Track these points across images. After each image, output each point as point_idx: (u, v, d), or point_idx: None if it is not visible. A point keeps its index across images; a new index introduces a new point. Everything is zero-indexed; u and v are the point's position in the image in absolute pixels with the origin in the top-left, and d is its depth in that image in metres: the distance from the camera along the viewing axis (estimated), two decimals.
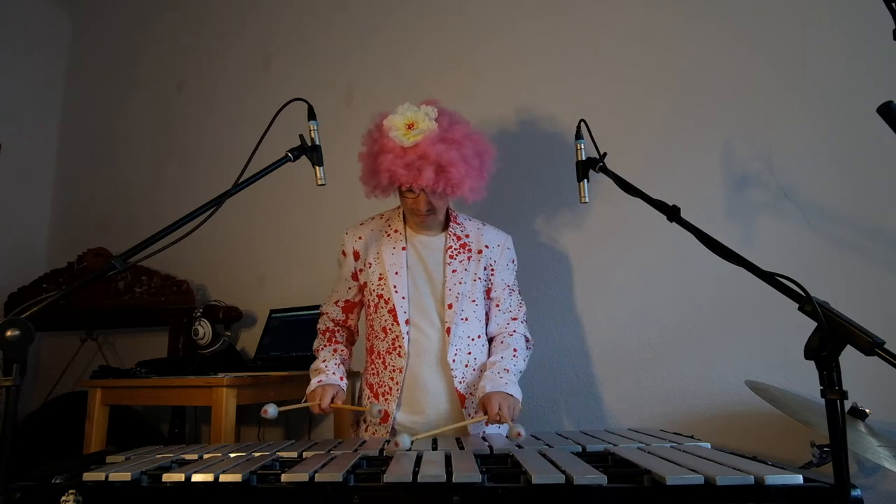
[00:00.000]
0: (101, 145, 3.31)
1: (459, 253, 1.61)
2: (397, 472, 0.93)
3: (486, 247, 1.64)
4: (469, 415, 1.53)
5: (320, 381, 1.53)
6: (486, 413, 1.42)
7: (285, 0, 2.88)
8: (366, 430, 1.60)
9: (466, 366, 1.57)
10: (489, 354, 1.63)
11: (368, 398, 1.61)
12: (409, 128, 1.43)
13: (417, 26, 2.53)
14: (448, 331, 1.55)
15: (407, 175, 1.42)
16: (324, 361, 1.59)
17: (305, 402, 1.51)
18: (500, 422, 1.39)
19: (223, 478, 0.95)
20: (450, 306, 1.56)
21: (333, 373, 1.56)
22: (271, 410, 1.35)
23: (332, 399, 1.49)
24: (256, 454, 1.15)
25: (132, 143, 3.21)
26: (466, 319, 1.58)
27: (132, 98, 3.26)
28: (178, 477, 0.97)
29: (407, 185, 1.46)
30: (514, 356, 1.58)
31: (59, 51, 3.51)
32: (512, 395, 1.47)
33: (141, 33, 3.31)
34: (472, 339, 1.59)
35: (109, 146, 3.28)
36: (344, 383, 1.57)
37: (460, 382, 1.55)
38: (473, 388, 1.56)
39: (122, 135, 3.25)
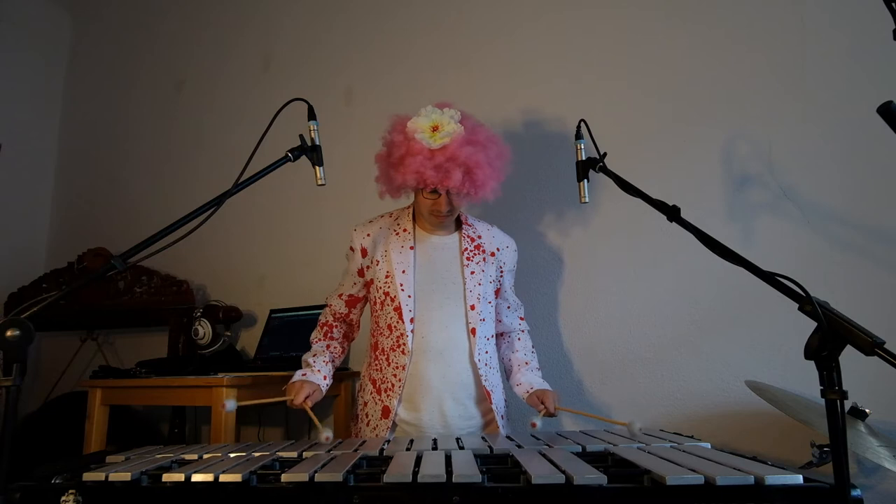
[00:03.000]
0: (101, 145, 3.31)
1: (475, 255, 1.65)
2: (397, 472, 0.93)
3: (498, 249, 1.70)
4: (494, 408, 1.60)
5: (304, 374, 1.56)
6: (543, 405, 1.53)
7: (285, 0, 2.88)
8: (367, 425, 1.62)
9: (486, 364, 1.61)
10: (507, 349, 1.75)
11: (371, 393, 1.63)
12: (434, 130, 1.46)
13: (417, 27, 2.53)
14: (473, 331, 1.58)
15: (436, 176, 1.46)
16: (314, 356, 1.63)
17: (285, 390, 1.52)
18: (553, 415, 1.52)
19: (223, 478, 0.95)
20: (472, 307, 1.60)
21: (319, 370, 1.59)
22: (229, 405, 1.39)
23: (309, 397, 1.50)
24: (256, 454, 1.15)
25: (132, 143, 3.21)
26: (484, 320, 1.63)
27: (132, 98, 3.26)
28: (178, 477, 0.97)
29: (433, 187, 1.48)
30: (533, 353, 1.74)
31: (59, 51, 3.51)
32: (552, 391, 1.60)
33: (141, 33, 3.31)
34: (488, 339, 1.64)
35: (109, 146, 3.28)
36: (326, 383, 1.59)
37: (486, 380, 1.60)
38: (494, 386, 1.62)
39: (122, 135, 3.25)
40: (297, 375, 1.56)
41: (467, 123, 1.52)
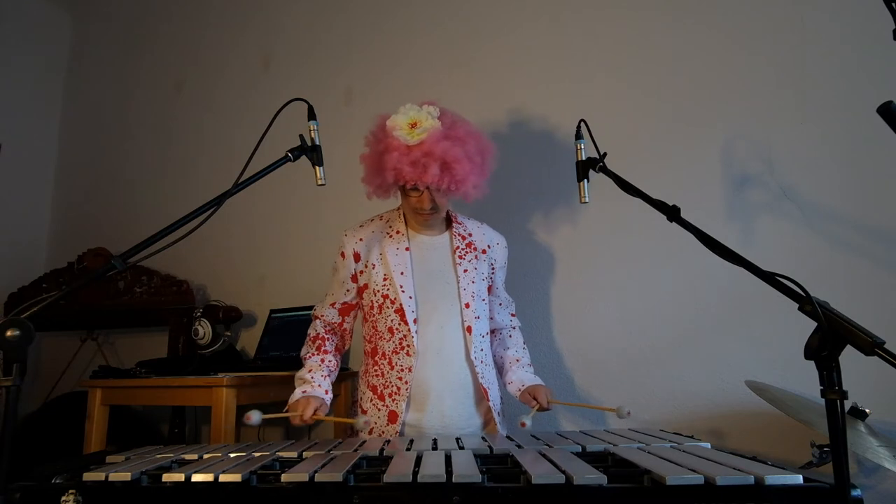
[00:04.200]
0: (101, 145, 3.31)
1: (467, 252, 1.65)
2: (397, 472, 0.93)
3: (489, 246, 1.70)
4: (491, 406, 1.60)
5: (304, 391, 1.52)
6: (535, 400, 1.56)
7: (285, 0, 2.88)
8: (370, 433, 1.59)
9: (482, 362, 1.61)
10: (499, 346, 1.76)
11: (371, 400, 1.60)
12: (413, 127, 1.46)
13: (417, 27, 2.53)
14: (469, 329, 1.58)
15: (413, 172, 1.45)
16: (310, 371, 1.58)
17: (287, 411, 1.49)
18: (547, 409, 1.55)
19: (223, 478, 0.95)
20: (467, 305, 1.60)
21: (319, 385, 1.55)
22: (254, 417, 1.31)
23: (315, 412, 1.48)
24: (256, 454, 1.15)
25: (132, 143, 3.21)
26: (479, 318, 1.63)
27: (132, 98, 3.26)
28: (178, 477, 0.97)
29: (412, 183, 1.47)
30: (524, 349, 1.75)
31: (59, 51, 3.50)
32: (544, 385, 1.62)
33: (141, 33, 3.31)
34: (483, 336, 1.64)
35: (109, 146, 3.28)
36: (329, 397, 1.56)
37: (483, 378, 1.59)
38: (490, 383, 1.62)
39: (122, 135, 3.25)
40: (297, 394, 1.52)
41: (446, 119, 1.50)
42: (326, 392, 1.55)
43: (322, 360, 1.62)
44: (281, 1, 2.89)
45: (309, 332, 1.69)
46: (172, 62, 3.17)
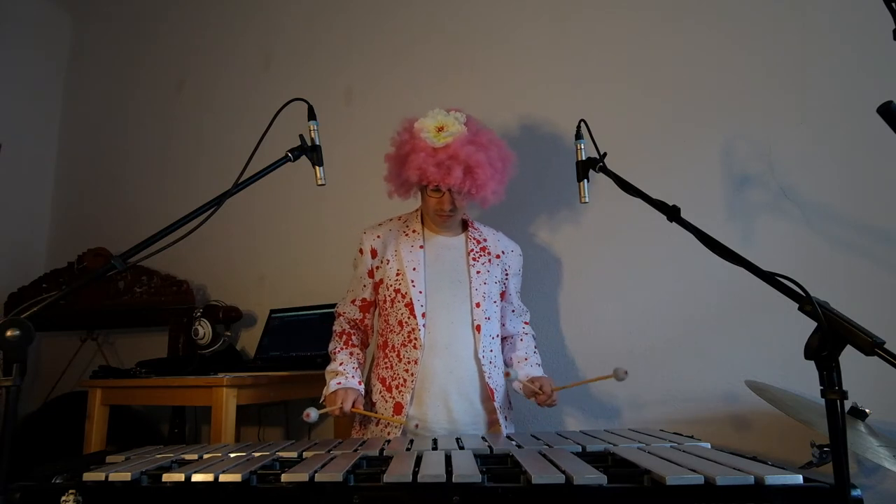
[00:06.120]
0: (101, 145, 3.31)
1: (481, 256, 1.69)
2: (397, 472, 0.93)
3: (503, 252, 1.73)
4: (497, 407, 1.61)
5: (339, 383, 1.58)
6: (540, 389, 1.60)
7: (285, 0, 2.88)
8: (377, 425, 1.62)
9: (490, 362, 1.63)
10: (509, 351, 1.77)
11: (380, 392, 1.63)
12: (440, 130, 1.53)
13: (417, 27, 2.53)
14: (478, 328, 1.61)
15: (437, 173, 1.51)
16: (342, 364, 1.63)
17: (323, 401, 1.55)
18: (549, 402, 1.59)
19: (223, 478, 0.95)
20: (477, 305, 1.62)
21: (353, 376, 1.61)
22: (313, 414, 1.36)
23: (353, 403, 1.53)
24: (256, 454, 1.15)
25: (132, 143, 3.21)
26: (489, 319, 1.65)
27: (132, 98, 3.26)
28: (178, 477, 0.97)
29: (435, 184, 1.53)
30: (535, 352, 1.78)
31: (59, 50, 3.51)
32: (550, 379, 1.68)
33: (141, 33, 3.31)
34: (493, 338, 1.66)
35: (109, 146, 3.28)
36: (362, 388, 1.61)
37: (489, 378, 1.61)
38: (497, 385, 1.63)
39: (122, 135, 3.25)
40: (332, 385, 1.58)
41: (472, 126, 1.57)
42: (360, 383, 1.61)
43: (351, 354, 1.67)
44: (281, 1, 2.89)
45: (334, 328, 1.75)
46: (172, 62, 3.17)
